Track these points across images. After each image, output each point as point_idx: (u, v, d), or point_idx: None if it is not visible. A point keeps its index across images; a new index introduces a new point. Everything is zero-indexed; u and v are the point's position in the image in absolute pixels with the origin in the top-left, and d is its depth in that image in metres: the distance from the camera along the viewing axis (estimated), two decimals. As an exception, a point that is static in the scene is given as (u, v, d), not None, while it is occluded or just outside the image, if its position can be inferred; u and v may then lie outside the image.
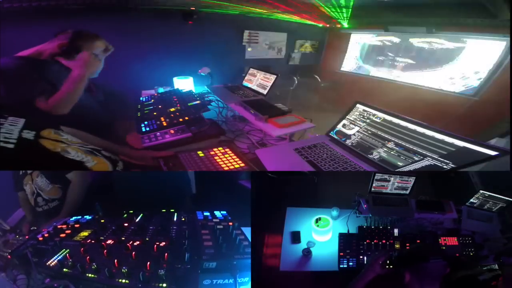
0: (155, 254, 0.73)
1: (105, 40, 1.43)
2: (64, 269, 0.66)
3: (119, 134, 1.42)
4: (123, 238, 0.83)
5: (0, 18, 2.06)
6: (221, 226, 0.92)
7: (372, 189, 1.37)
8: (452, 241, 1.36)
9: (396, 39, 4.09)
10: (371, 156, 1.14)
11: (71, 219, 1.09)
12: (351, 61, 4.88)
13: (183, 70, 2.51)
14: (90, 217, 1.09)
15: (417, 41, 3.80)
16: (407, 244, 1.28)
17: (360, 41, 4.68)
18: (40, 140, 0.76)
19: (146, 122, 1.44)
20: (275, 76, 2.09)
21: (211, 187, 1.31)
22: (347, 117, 1.38)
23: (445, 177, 1.58)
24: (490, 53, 3.16)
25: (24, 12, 2.18)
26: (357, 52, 4.76)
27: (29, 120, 0.81)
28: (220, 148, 1.18)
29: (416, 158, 1.02)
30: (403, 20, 3.61)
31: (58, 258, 0.70)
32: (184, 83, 2.31)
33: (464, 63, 3.40)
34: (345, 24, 4.28)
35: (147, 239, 0.82)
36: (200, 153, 1.15)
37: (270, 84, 2.09)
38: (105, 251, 0.71)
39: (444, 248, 0.93)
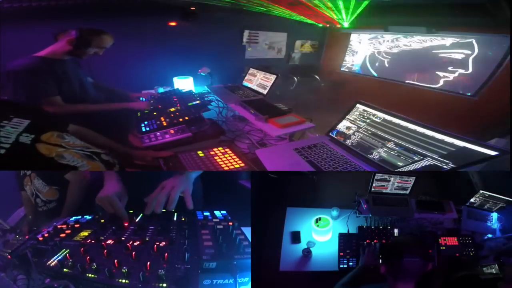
0: (155, 254, 0.73)
1: (111, 35, 1.52)
2: (64, 269, 0.66)
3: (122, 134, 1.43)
4: (123, 238, 0.82)
5: (0, 18, 2.06)
6: (221, 226, 0.92)
7: (372, 189, 1.37)
8: (452, 241, 1.36)
9: (395, 39, 4.10)
10: (371, 156, 1.14)
11: (71, 219, 1.09)
12: (353, 61, 4.88)
13: (183, 70, 2.51)
14: (90, 217, 1.09)
15: (417, 42, 3.80)
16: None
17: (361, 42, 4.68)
18: (36, 144, 0.76)
19: (146, 122, 1.44)
20: (275, 76, 2.09)
21: (211, 187, 1.31)
22: (347, 117, 1.38)
23: (445, 177, 1.58)
24: (490, 53, 3.17)
25: (24, 12, 2.18)
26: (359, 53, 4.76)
27: (34, 122, 0.81)
28: (220, 148, 1.18)
29: (416, 158, 1.02)
30: (403, 20, 3.61)
31: (58, 258, 0.70)
32: (184, 83, 2.31)
33: (464, 63, 3.41)
34: (345, 24, 4.28)
35: (147, 239, 0.82)
36: (200, 153, 1.15)
37: (270, 84, 2.09)
38: (105, 251, 0.71)
39: (423, 245, 0.91)
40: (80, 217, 1.09)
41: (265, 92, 2.09)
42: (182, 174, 1.01)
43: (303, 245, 1.25)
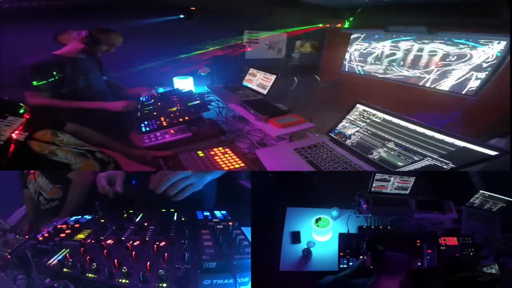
0: (155, 254, 0.73)
1: (120, 33, 1.61)
2: (64, 269, 0.66)
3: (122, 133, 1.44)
4: (123, 238, 0.82)
5: (0, 18, 2.06)
6: (221, 226, 0.92)
7: (372, 189, 1.37)
8: (452, 241, 1.36)
9: (396, 40, 4.09)
10: (371, 156, 1.14)
11: (71, 219, 1.09)
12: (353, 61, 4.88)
13: (183, 70, 2.51)
14: (90, 217, 1.09)
15: (417, 42, 3.80)
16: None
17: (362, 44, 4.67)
18: (29, 142, 0.77)
19: (146, 122, 1.44)
20: (275, 76, 2.09)
21: (211, 187, 1.31)
22: (347, 117, 1.38)
23: (445, 177, 1.58)
24: (490, 53, 3.17)
25: (24, 12, 2.18)
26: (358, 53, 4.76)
27: (29, 120, 0.81)
28: (220, 148, 1.18)
29: (416, 158, 1.02)
30: (403, 20, 3.61)
31: (58, 258, 0.70)
32: (184, 83, 2.31)
33: (464, 63, 3.41)
34: (345, 24, 4.29)
35: (147, 239, 0.82)
36: (200, 153, 1.14)
37: (270, 84, 2.09)
38: (105, 251, 0.71)
39: (409, 240, 0.90)
40: (80, 217, 1.09)
41: (265, 92, 2.09)
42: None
43: (303, 245, 1.25)
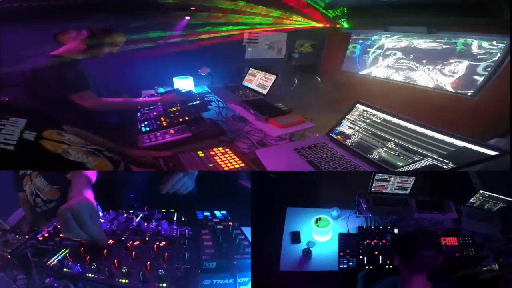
0: (155, 254, 0.73)
1: (123, 33, 1.59)
2: (64, 269, 0.66)
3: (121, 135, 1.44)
4: (123, 238, 0.82)
5: (0, 18, 2.06)
6: (221, 226, 0.92)
7: (372, 189, 1.37)
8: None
9: (396, 40, 4.09)
10: (371, 156, 1.14)
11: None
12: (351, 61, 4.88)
13: (183, 70, 2.51)
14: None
15: (418, 42, 3.80)
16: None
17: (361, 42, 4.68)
18: (41, 141, 0.76)
19: (146, 122, 1.44)
20: (275, 76, 2.09)
21: (211, 187, 1.31)
22: (347, 117, 1.38)
23: (445, 177, 1.58)
24: (490, 53, 3.17)
25: (24, 12, 2.18)
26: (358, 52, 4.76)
27: (30, 121, 0.81)
28: (220, 148, 1.18)
29: (416, 158, 1.02)
30: (403, 20, 3.61)
31: (58, 258, 0.70)
32: (184, 83, 2.31)
33: (464, 63, 3.41)
34: (345, 24, 4.29)
35: (147, 239, 0.82)
36: (200, 153, 1.14)
37: (270, 84, 2.09)
38: (105, 251, 0.71)
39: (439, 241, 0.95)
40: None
41: (265, 92, 2.09)
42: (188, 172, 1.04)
43: (303, 245, 1.25)
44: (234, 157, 1.12)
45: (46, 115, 0.95)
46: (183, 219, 1.01)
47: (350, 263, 1.21)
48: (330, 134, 1.37)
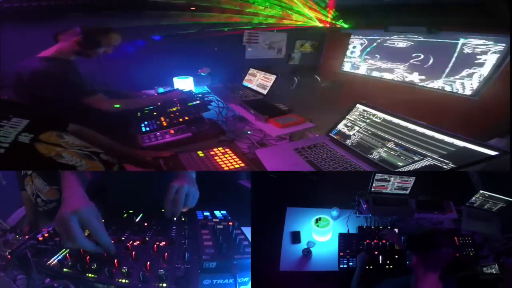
0: (155, 254, 0.73)
1: (119, 33, 1.53)
2: (64, 269, 0.66)
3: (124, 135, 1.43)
4: (123, 238, 0.83)
5: (0, 18, 2.06)
6: (221, 226, 0.92)
7: (372, 189, 1.37)
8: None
9: (396, 39, 4.09)
10: (371, 156, 1.14)
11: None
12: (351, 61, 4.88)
13: (183, 70, 2.51)
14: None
15: (418, 42, 3.80)
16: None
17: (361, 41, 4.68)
18: (35, 144, 0.76)
19: (146, 122, 1.44)
20: (275, 76, 2.09)
21: (211, 187, 1.31)
22: (347, 117, 1.38)
23: (445, 177, 1.58)
24: (490, 53, 3.17)
25: (24, 12, 2.18)
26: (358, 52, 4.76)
27: (33, 121, 0.81)
28: (220, 148, 1.18)
29: (416, 158, 1.02)
30: (403, 20, 3.61)
31: (58, 258, 0.70)
32: (184, 83, 2.31)
33: (464, 63, 3.40)
34: (345, 24, 4.28)
35: (147, 239, 0.82)
36: (200, 153, 1.15)
37: (270, 84, 2.09)
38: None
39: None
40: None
41: (265, 92, 2.09)
42: (187, 175, 0.99)
43: (303, 245, 1.25)
44: (234, 157, 1.12)
45: (50, 114, 0.95)
46: (183, 219, 1.01)
47: (350, 263, 1.21)
48: (330, 134, 1.37)
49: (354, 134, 1.28)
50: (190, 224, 0.95)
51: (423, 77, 3.77)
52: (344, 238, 1.27)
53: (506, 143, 1.99)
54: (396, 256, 1.21)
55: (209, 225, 0.92)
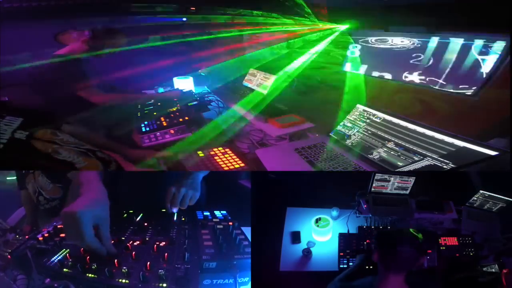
0: (155, 254, 0.73)
1: (125, 33, 1.62)
2: (64, 269, 0.66)
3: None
4: (123, 238, 0.82)
5: (0, 18, 2.06)
6: (221, 226, 0.92)
7: (372, 189, 1.37)
8: (452, 241, 1.36)
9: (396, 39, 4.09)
10: (371, 156, 1.14)
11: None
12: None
13: (183, 70, 2.50)
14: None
15: (418, 42, 3.80)
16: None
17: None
18: (31, 141, 0.77)
19: (146, 122, 1.44)
20: (275, 76, 2.09)
21: (211, 187, 1.31)
22: (347, 117, 1.38)
23: (445, 177, 1.58)
24: (490, 52, 3.17)
25: (24, 12, 2.18)
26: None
27: (27, 120, 0.81)
28: (220, 148, 1.18)
29: (416, 158, 1.02)
30: (403, 20, 3.61)
31: (58, 258, 0.70)
32: (184, 83, 2.31)
33: (464, 63, 3.40)
34: (345, 24, 4.28)
35: (147, 239, 0.82)
36: (200, 153, 1.15)
37: (270, 84, 2.09)
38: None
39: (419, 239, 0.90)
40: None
41: (265, 92, 2.09)
42: (188, 177, 1.00)
43: (303, 245, 1.25)
44: (234, 157, 1.12)
45: (44, 113, 0.95)
46: (183, 219, 1.01)
47: (350, 263, 1.21)
48: (330, 134, 1.37)
49: (354, 134, 1.28)
50: (190, 224, 0.95)
51: (423, 77, 3.78)
52: (344, 238, 1.27)
53: (506, 143, 1.99)
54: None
55: (209, 225, 0.92)
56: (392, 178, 1.35)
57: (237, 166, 1.07)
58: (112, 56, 1.62)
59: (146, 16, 2.79)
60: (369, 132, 1.24)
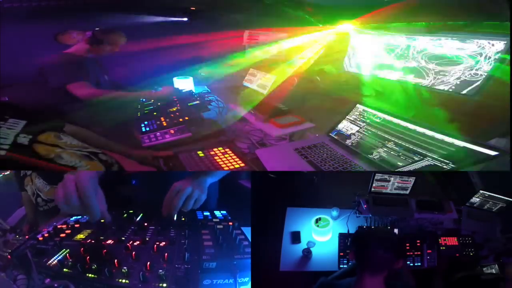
0: (155, 254, 0.73)
1: (122, 33, 1.69)
2: (64, 269, 0.66)
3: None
4: (123, 238, 0.82)
5: (0, 18, 2.06)
6: (221, 226, 0.92)
7: (372, 189, 1.37)
8: (452, 241, 1.36)
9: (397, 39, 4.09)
10: (371, 156, 1.14)
11: (71, 219, 1.09)
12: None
13: (183, 70, 2.50)
14: (90, 217, 1.09)
15: (419, 41, 3.80)
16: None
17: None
18: (34, 145, 0.76)
19: (146, 122, 1.44)
20: (275, 76, 2.09)
21: (211, 187, 1.31)
22: (347, 117, 1.38)
23: (445, 177, 1.58)
24: (490, 52, 3.17)
25: (24, 12, 2.18)
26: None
27: (30, 122, 0.81)
28: (220, 148, 1.18)
29: (416, 158, 1.02)
30: (403, 20, 3.61)
31: (58, 258, 0.70)
32: (184, 83, 2.31)
33: (464, 63, 3.40)
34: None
35: (147, 239, 0.82)
36: (200, 153, 1.15)
37: (270, 84, 2.09)
38: (105, 251, 0.71)
39: (391, 238, 0.90)
40: (80, 217, 1.09)
41: (265, 92, 2.09)
42: (197, 177, 0.95)
43: (303, 245, 1.25)
44: (234, 157, 1.12)
45: (47, 115, 0.95)
46: (183, 219, 1.01)
47: (350, 263, 1.21)
48: (330, 134, 1.37)
49: (354, 134, 1.28)
50: (190, 224, 0.95)
51: (423, 77, 3.78)
52: (344, 238, 1.28)
53: (506, 143, 1.98)
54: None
55: (209, 225, 0.92)
56: (392, 178, 1.35)
57: (237, 166, 1.07)
58: (112, 56, 1.63)
59: (146, 16, 2.79)
60: (369, 132, 1.24)
